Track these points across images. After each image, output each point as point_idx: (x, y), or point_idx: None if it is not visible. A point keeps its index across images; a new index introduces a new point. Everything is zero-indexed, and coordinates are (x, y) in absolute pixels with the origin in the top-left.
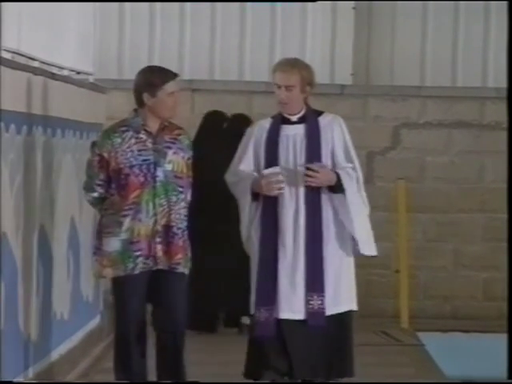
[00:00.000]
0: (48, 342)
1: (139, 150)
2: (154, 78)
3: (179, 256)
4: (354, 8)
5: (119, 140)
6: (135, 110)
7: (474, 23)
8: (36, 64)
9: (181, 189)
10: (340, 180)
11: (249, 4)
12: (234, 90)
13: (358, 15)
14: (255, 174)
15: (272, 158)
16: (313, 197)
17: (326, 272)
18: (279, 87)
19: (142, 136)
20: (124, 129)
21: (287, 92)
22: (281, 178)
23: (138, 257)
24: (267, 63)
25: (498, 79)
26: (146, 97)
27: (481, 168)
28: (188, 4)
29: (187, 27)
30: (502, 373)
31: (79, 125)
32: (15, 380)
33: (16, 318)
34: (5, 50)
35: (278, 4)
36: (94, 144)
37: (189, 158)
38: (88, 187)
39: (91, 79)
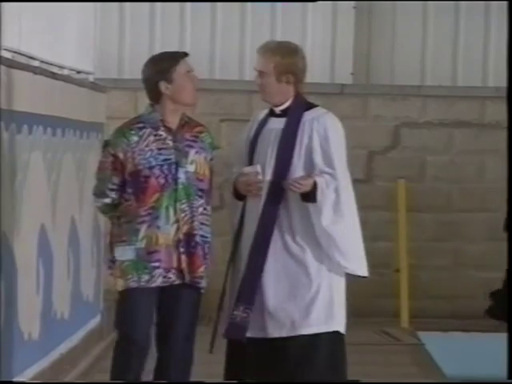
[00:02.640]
0: (48, 342)
1: (159, 149)
2: (164, 63)
3: (202, 269)
4: (354, 7)
5: (136, 138)
6: (151, 106)
7: (474, 23)
8: (36, 63)
9: (200, 193)
10: (316, 188)
11: (249, 4)
12: (233, 89)
13: (359, 15)
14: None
15: (250, 154)
16: (273, 204)
17: (270, 285)
18: (256, 72)
19: (162, 133)
20: (141, 125)
21: (260, 78)
22: (260, 177)
23: (155, 268)
24: None
25: (498, 78)
26: (163, 86)
27: (481, 167)
28: (188, 3)
29: (187, 27)
30: (502, 372)
31: (79, 124)
32: (15, 380)
33: (16, 317)
34: (5, 49)
35: (279, 4)
36: (106, 143)
37: (211, 159)
38: (99, 192)
39: (91, 78)
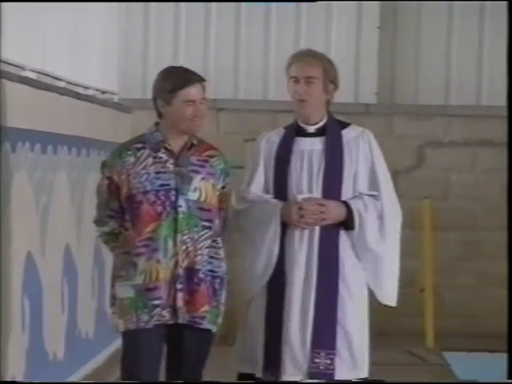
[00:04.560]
0: (73, 361)
1: (157, 173)
2: (169, 82)
3: (205, 308)
4: (378, 27)
5: (132, 159)
6: (156, 124)
7: (498, 43)
8: (61, 84)
9: (207, 223)
10: (351, 213)
11: (273, 24)
12: (258, 109)
13: (383, 34)
14: (270, 198)
15: (281, 180)
16: (329, 235)
17: (346, 327)
18: (296, 81)
19: (162, 155)
20: (139, 146)
21: (307, 86)
22: (325, 208)
23: (155, 307)
24: None
25: None
26: (160, 104)
27: (505, 186)
28: (212, 24)
29: (211, 47)
30: None
31: (104, 144)
32: None
33: (41, 336)
34: (30, 70)
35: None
36: (103, 165)
37: (223, 187)
38: (98, 220)
39: (116, 99)
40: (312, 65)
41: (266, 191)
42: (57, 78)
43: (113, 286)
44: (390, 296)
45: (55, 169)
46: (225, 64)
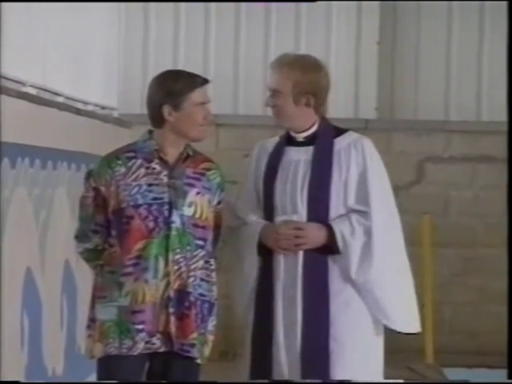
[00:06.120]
0: (72, 377)
1: (149, 185)
2: (177, 86)
3: (194, 335)
4: (378, 43)
5: (123, 169)
6: (150, 132)
7: (497, 58)
8: (61, 99)
9: (200, 242)
10: (334, 236)
11: (272, 40)
12: (258, 124)
13: (382, 50)
14: (256, 216)
15: (268, 194)
16: (314, 260)
17: (337, 355)
18: (268, 90)
19: (156, 166)
20: (131, 155)
21: (273, 98)
22: (303, 232)
23: (138, 332)
24: None
25: None
26: (166, 110)
27: (505, 203)
28: (212, 39)
29: (211, 62)
30: None
31: None
32: None
33: (40, 352)
34: (30, 85)
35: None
36: (89, 174)
37: (219, 202)
38: (80, 235)
39: (116, 114)
40: (280, 76)
41: (258, 205)
42: (57, 94)
43: (92, 306)
44: (400, 322)
45: (55, 184)
46: (224, 79)
